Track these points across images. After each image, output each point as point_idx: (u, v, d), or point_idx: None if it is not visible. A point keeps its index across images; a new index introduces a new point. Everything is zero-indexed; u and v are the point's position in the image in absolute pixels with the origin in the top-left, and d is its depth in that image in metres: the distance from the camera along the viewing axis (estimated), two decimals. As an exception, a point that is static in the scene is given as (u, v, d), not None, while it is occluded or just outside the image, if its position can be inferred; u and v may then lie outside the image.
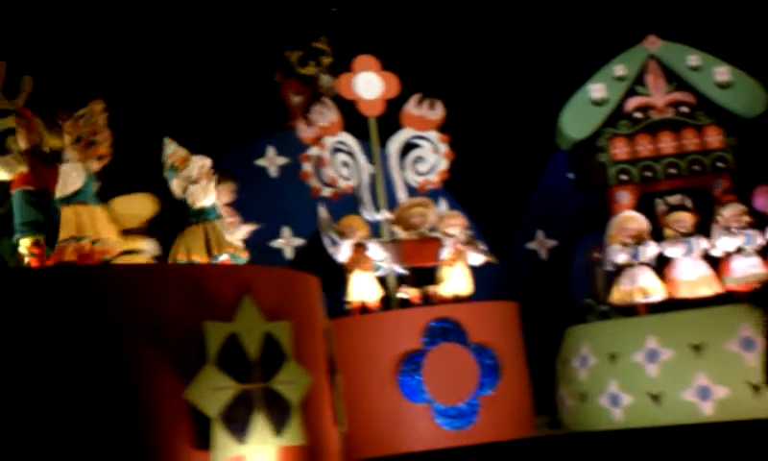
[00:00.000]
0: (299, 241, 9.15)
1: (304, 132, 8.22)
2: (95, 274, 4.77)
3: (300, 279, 5.53)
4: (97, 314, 4.55)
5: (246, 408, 4.78)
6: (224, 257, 5.54)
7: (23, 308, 4.45)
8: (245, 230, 6.30)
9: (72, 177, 5.29)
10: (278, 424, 4.91)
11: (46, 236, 5.25)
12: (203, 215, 5.58)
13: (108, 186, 5.52)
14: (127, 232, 5.67)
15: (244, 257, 5.70)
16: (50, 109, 5.48)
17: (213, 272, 5.08)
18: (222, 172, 6.06)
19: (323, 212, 7.91)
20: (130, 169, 5.86)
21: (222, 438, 4.68)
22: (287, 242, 9.15)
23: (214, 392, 4.70)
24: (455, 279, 7.57)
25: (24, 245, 5.26)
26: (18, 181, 5.34)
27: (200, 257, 5.51)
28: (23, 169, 5.34)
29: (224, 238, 5.59)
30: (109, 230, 5.32)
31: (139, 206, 5.91)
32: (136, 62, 8.28)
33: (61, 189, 5.27)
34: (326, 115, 8.10)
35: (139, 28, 8.38)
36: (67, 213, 5.24)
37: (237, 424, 4.74)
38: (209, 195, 5.63)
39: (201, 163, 5.69)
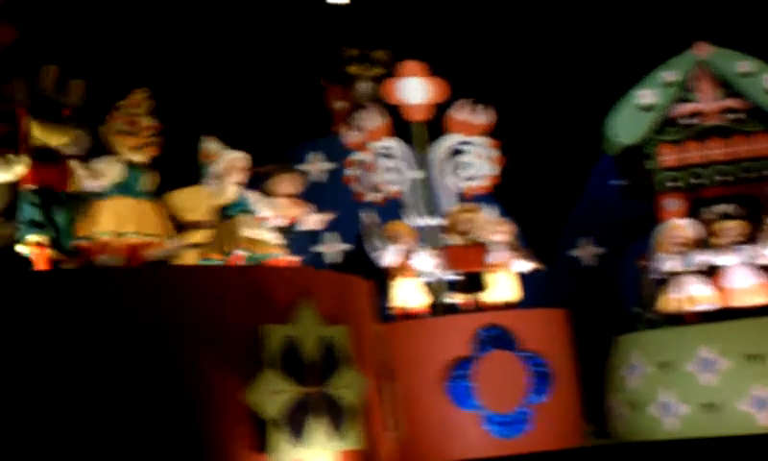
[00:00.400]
0: (342, 246, 9.11)
1: (349, 136, 8.20)
2: (154, 274, 4.77)
3: (355, 283, 5.50)
4: (156, 315, 4.56)
5: (304, 412, 4.78)
6: (238, 253, 5.46)
7: (82, 309, 4.47)
8: (315, 221, 6.25)
9: (107, 169, 5.26)
10: (336, 429, 4.89)
11: (50, 235, 5.17)
12: (226, 211, 5.55)
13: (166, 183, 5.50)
14: (184, 226, 5.65)
15: (273, 253, 5.60)
16: (50, 106, 5.42)
17: (271, 274, 5.06)
18: (286, 163, 6.06)
19: (368, 217, 7.87)
20: (183, 169, 5.86)
21: (280, 441, 4.67)
22: (329, 247, 9.11)
23: (273, 395, 4.70)
24: (502, 286, 7.50)
25: (26, 243, 5.17)
26: (22, 181, 5.29)
27: (214, 255, 5.47)
28: (19, 169, 5.26)
29: (238, 235, 5.51)
30: (154, 225, 5.26)
31: (196, 200, 5.87)
32: (184, 66, 8.30)
33: (93, 182, 5.24)
34: (372, 120, 8.07)
35: (187, 31, 8.41)
36: (103, 206, 5.21)
37: (295, 427, 4.74)
38: (230, 190, 5.57)
39: (229, 158, 5.64)
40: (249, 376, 4.65)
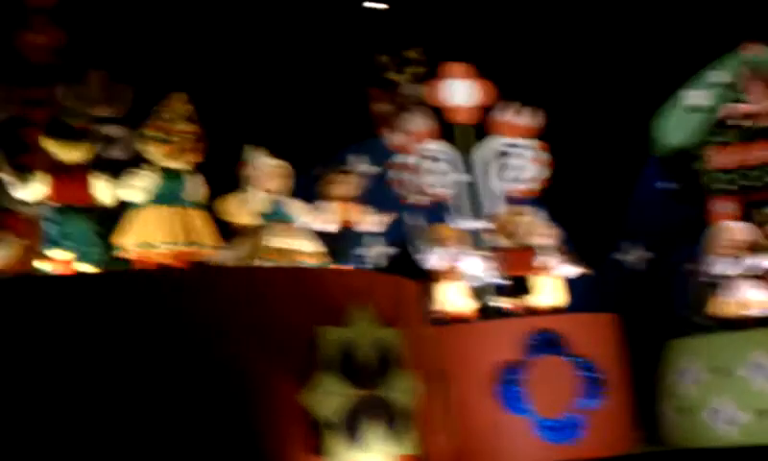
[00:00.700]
0: (386, 249, 9.05)
1: (393, 139, 8.16)
2: (210, 276, 4.75)
3: (408, 285, 5.46)
4: (211, 317, 4.54)
5: (359, 415, 4.74)
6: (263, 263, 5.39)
7: (138, 312, 4.46)
8: (372, 222, 6.21)
9: (143, 178, 5.23)
10: (391, 433, 4.84)
11: (74, 250, 5.13)
12: (261, 219, 5.53)
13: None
14: (235, 233, 5.62)
15: (304, 262, 5.54)
16: (63, 122, 5.41)
17: (326, 276, 5.03)
18: (342, 165, 6.05)
19: (412, 220, 7.82)
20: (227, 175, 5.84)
21: (336, 444, 4.63)
22: (372, 250, 9.06)
23: (329, 397, 4.67)
24: (549, 290, 7.42)
25: (49, 260, 5.15)
26: (44, 198, 5.27)
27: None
28: (38, 186, 5.23)
29: (262, 245, 5.47)
30: (197, 233, 5.22)
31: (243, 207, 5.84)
32: (227, 72, 8.31)
33: (129, 192, 5.23)
34: (416, 122, 8.03)
35: (230, 36, 8.42)
36: (140, 217, 5.16)
37: (351, 430, 4.70)
38: (259, 199, 5.54)
39: (262, 165, 5.60)
40: (304, 379, 4.61)
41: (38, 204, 5.25)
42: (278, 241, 5.48)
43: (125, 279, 4.70)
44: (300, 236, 5.63)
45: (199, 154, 5.25)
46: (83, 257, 5.14)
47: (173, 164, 5.20)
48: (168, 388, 4.37)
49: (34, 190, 5.24)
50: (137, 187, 5.20)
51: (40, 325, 4.35)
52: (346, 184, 6.40)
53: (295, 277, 4.89)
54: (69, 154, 5.27)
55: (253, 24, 8.57)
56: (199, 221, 5.22)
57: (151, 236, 5.09)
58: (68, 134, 5.27)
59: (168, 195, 5.19)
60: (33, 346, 4.33)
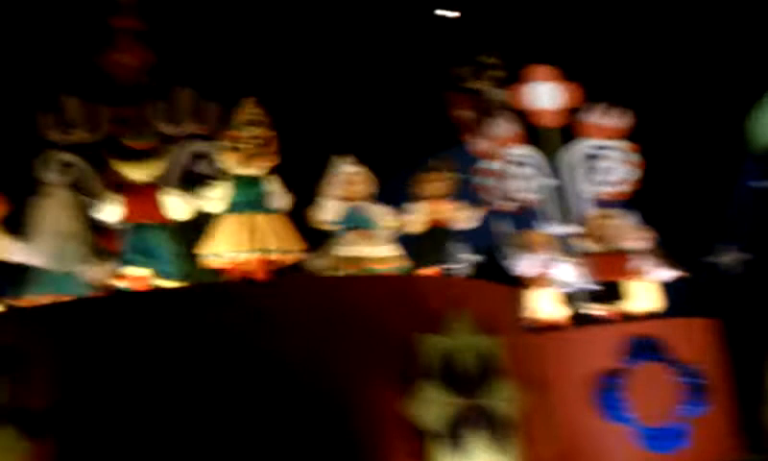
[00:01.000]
0: (473, 257, 8.94)
1: (477, 145, 8.05)
2: (308, 287, 4.75)
3: (506, 293, 5.37)
4: (312, 328, 4.53)
5: (462, 424, 4.70)
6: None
7: (242, 324, 4.47)
8: (465, 218, 6.13)
9: (219, 189, 5.23)
10: (494, 442, 4.76)
11: (151, 267, 5.20)
12: (337, 226, 5.52)
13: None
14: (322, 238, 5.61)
15: (378, 268, 5.48)
16: (124, 142, 5.47)
17: (425, 284, 4.99)
18: (438, 164, 6.01)
19: (500, 227, 7.70)
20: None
21: (439, 453, 4.60)
22: (459, 258, 8.94)
23: (432, 406, 4.65)
24: (644, 295, 7.20)
25: (125, 277, 5.23)
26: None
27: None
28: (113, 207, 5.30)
29: (331, 254, 5.40)
30: (278, 239, 5.19)
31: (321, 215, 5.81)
32: (317, 83, 8.35)
33: (207, 204, 5.23)
34: (501, 128, 7.91)
35: (317, 50, 8.46)
36: (222, 226, 5.16)
37: (454, 439, 4.66)
38: (332, 208, 5.45)
39: (340, 173, 5.57)
40: (406, 387, 4.59)
41: (118, 222, 5.35)
42: (351, 249, 5.45)
43: (225, 292, 4.73)
44: (377, 242, 5.58)
45: (270, 158, 5.24)
46: (160, 274, 5.18)
47: (246, 171, 5.21)
48: (271, 398, 4.37)
49: (110, 209, 5.36)
50: (215, 198, 5.24)
51: (156, 337, 4.39)
52: (437, 182, 6.29)
53: (394, 285, 4.87)
54: (136, 173, 5.35)
55: (340, 36, 8.59)
56: (279, 226, 5.21)
57: (231, 245, 5.12)
58: (131, 155, 5.37)
59: (246, 202, 5.22)
60: (139, 359, 4.37)
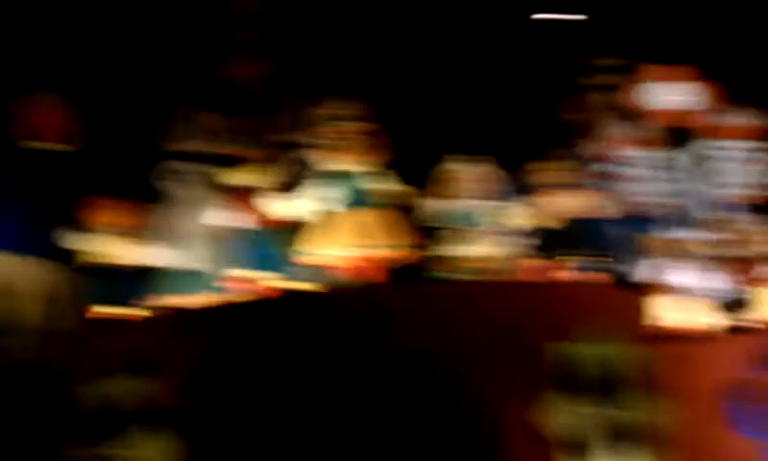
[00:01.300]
0: (593, 263, 8.75)
1: (592, 148, 7.88)
2: (432, 292, 4.72)
3: (631, 299, 5.24)
4: (437, 334, 4.50)
5: (592, 435, 4.58)
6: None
7: (368, 328, 4.48)
8: (593, 207, 5.96)
9: (316, 187, 5.22)
10: (625, 454, 4.62)
11: (255, 269, 5.22)
12: (444, 224, 5.58)
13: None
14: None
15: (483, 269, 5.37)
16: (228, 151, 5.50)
17: (549, 289, 4.89)
18: (557, 152, 5.92)
19: (617, 232, 7.50)
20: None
21: (568, 465, 4.46)
22: (568, 263, 8.77)
23: (560, 416, 4.57)
24: (774, 302, 6.92)
25: (230, 278, 5.30)
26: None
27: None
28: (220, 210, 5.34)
29: (434, 254, 5.24)
30: (382, 235, 5.14)
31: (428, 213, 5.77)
32: (425, 81, 8.33)
33: (306, 204, 5.24)
34: (616, 129, 7.73)
35: (433, 49, 8.46)
36: (323, 224, 5.16)
37: (583, 450, 4.55)
38: (438, 206, 5.34)
39: (451, 171, 5.50)
40: (534, 396, 4.52)
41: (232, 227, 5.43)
42: (456, 249, 5.37)
43: (347, 296, 4.74)
44: (485, 241, 5.49)
45: (365, 152, 5.20)
46: (268, 276, 5.21)
47: (342, 166, 5.17)
48: (398, 406, 4.39)
49: (225, 215, 5.44)
50: (313, 197, 5.24)
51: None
52: (556, 171, 6.09)
53: (520, 290, 4.81)
54: (248, 180, 5.39)
55: (456, 38, 8.57)
56: (384, 222, 5.16)
57: (332, 243, 5.11)
58: (242, 163, 5.45)
59: (347, 199, 5.21)
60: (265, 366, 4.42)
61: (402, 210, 5.34)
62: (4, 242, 5.68)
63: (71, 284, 5.95)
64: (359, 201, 5.16)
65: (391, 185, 5.26)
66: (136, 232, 5.72)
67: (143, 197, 6.22)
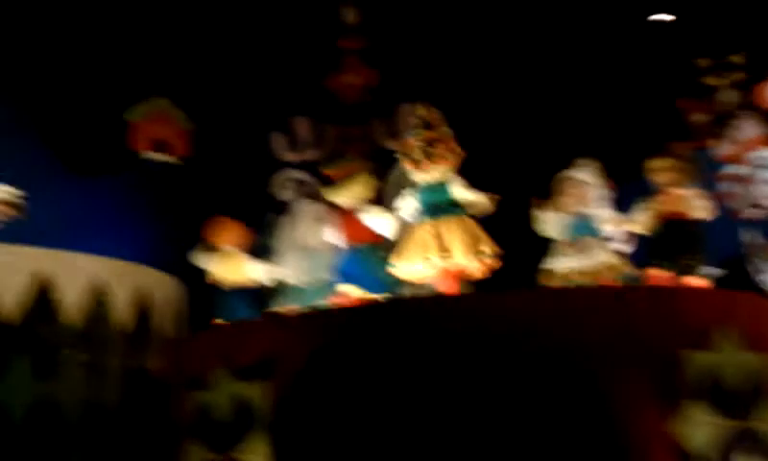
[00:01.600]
0: (716, 270, 8.30)
1: (721, 150, 7.48)
2: (565, 299, 4.58)
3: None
4: (571, 343, 4.37)
5: (733, 448, 4.38)
6: None
7: (499, 336, 4.36)
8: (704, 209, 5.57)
9: (406, 199, 5.14)
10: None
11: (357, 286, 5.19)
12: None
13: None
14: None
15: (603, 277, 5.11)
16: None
17: (686, 296, 4.68)
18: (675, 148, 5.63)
19: (748, 236, 7.09)
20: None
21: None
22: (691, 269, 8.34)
23: (699, 428, 4.36)
24: None
25: (336, 294, 5.26)
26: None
27: None
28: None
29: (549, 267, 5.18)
30: (461, 243, 4.94)
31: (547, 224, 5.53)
32: (535, 87, 8.13)
33: (399, 216, 5.17)
34: (746, 130, 7.31)
35: (542, 54, 8.26)
36: (412, 235, 5.08)
37: (725, 464, 4.23)
38: (556, 218, 5.26)
39: (570, 182, 5.37)
40: (671, 407, 4.32)
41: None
42: (567, 261, 5.12)
43: (482, 304, 4.62)
44: (601, 251, 5.20)
45: (445, 159, 5.02)
46: (372, 291, 5.18)
47: (427, 177, 5.07)
48: (529, 414, 4.24)
49: (329, 232, 5.50)
50: (404, 209, 5.12)
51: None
52: (674, 170, 5.60)
53: (655, 297, 4.60)
54: (342, 197, 5.39)
55: (568, 41, 8.34)
56: (466, 231, 5.03)
57: (419, 254, 5.01)
58: (335, 181, 5.42)
59: (434, 209, 5.07)
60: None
61: (482, 220, 5.22)
62: (125, 250, 5.81)
63: (171, 292, 6.04)
64: (443, 210, 5.07)
65: (470, 192, 5.13)
66: (251, 250, 5.77)
67: (257, 208, 6.25)
